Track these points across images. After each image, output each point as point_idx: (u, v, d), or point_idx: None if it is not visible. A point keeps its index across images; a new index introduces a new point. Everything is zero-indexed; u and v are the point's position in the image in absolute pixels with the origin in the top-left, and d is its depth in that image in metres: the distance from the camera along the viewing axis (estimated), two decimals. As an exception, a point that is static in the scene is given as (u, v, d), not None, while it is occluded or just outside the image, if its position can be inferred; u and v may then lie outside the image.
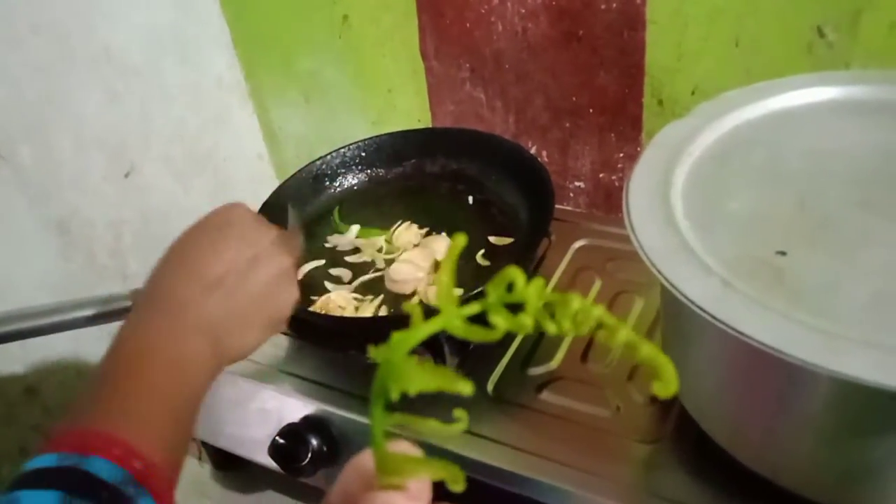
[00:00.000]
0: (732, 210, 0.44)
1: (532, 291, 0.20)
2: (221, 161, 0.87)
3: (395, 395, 0.21)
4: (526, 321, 0.20)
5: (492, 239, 0.63)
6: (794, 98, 0.50)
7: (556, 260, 0.63)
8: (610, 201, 0.77)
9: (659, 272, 0.39)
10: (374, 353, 0.21)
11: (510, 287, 0.21)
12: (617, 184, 0.76)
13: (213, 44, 0.84)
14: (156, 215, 0.80)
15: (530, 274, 0.62)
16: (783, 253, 0.40)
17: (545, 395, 0.53)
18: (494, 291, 0.21)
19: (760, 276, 0.39)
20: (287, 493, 0.62)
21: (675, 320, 0.45)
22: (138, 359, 0.39)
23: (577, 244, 0.65)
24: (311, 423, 0.54)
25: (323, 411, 0.54)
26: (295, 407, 0.55)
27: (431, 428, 0.21)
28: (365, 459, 0.24)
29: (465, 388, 0.20)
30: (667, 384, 0.20)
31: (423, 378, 0.20)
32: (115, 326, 0.42)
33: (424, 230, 0.67)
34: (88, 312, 0.48)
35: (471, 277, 0.60)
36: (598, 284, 0.61)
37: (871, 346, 0.34)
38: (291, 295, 0.46)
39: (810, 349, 0.34)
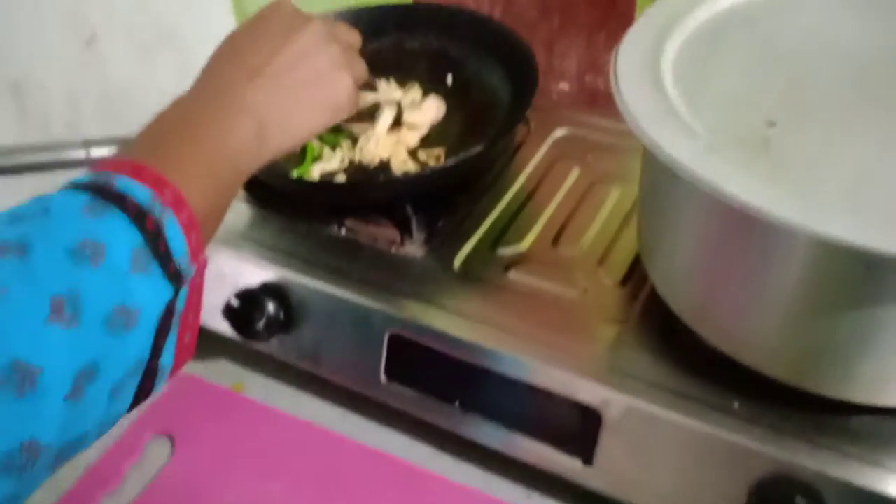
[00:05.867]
0: (723, 83, 0.42)
1: None
2: (189, 41, 0.83)
3: None
4: None
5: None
6: (797, -18, 0.48)
7: (535, 147, 0.61)
8: (594, 105, 0.75)
9: (643, 133, 0.38)
10: None
11: None
12: (602, 87, 0.74)
13: None
14: (116, 90, 0.76)
15: (508, 159, 0.60)
16: (772, 124, 0.39)
17: (513, 275, 0.52)
18: None
19: (747, 144, 0.38)
20: (239, 363, 0.61)
21: (655, 190, 0.44)
22: (183, 122, 0.39)
23: (558, 133, 0.63)
24: (268, 289, 0.52)
25: (281, 278, 0.52)
26: (252, 272, 0.53)
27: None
28: None
29: None
30: None
31: None
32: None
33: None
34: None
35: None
36: (575, 173, 0.59)
37: (853, 214, 0.33)
38: (344, 82, 0.46)
39: (792, 211, 0.33)
